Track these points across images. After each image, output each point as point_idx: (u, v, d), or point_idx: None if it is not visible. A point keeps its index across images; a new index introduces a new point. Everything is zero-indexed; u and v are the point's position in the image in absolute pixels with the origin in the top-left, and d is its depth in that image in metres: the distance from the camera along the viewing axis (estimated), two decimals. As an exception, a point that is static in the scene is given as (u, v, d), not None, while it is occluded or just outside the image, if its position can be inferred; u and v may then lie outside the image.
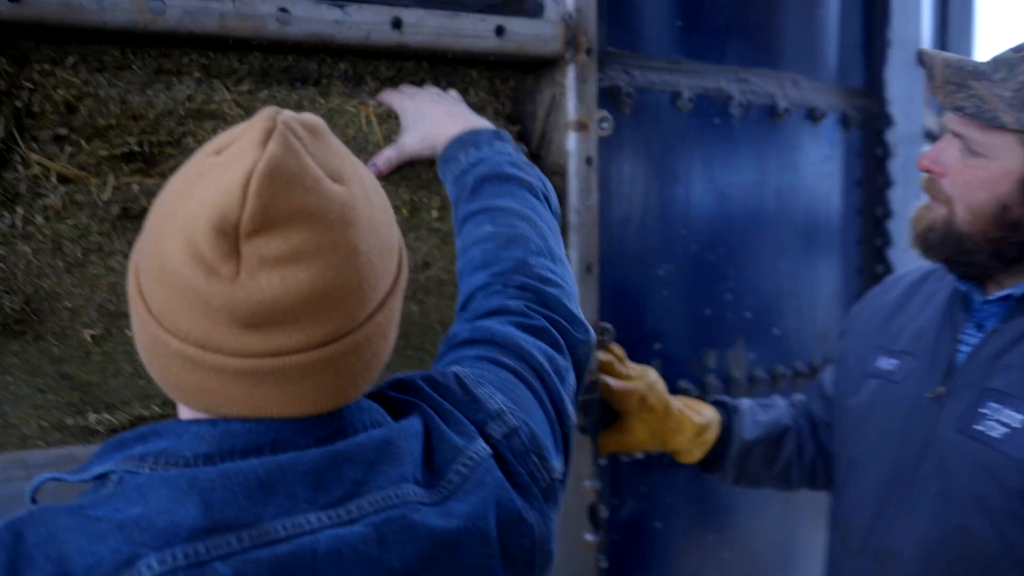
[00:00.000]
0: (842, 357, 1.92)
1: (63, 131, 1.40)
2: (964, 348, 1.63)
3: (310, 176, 0.90)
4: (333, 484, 0.96)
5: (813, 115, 2.40)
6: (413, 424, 1.06)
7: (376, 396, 1.12)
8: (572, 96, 1.78)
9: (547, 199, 1.50)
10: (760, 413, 2.00)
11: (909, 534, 1.61)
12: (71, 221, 1.41)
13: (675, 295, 2.09)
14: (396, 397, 1.12)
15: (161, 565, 0.86)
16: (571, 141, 1.79)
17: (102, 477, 0.98)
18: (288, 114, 0.92)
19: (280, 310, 0.89)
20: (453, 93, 1.69)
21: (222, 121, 1.50)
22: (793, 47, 2.40)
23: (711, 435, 1.92)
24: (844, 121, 2.54)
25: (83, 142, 1.41)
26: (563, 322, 1.31)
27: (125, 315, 1.45)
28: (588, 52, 1.79)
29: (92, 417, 1.40)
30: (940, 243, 1.60)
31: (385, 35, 1.60)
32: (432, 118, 1.60)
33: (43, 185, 1.39)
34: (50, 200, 1.39)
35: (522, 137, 1.82)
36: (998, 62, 1.53)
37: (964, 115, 1.52)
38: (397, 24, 1.61)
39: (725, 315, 2.19)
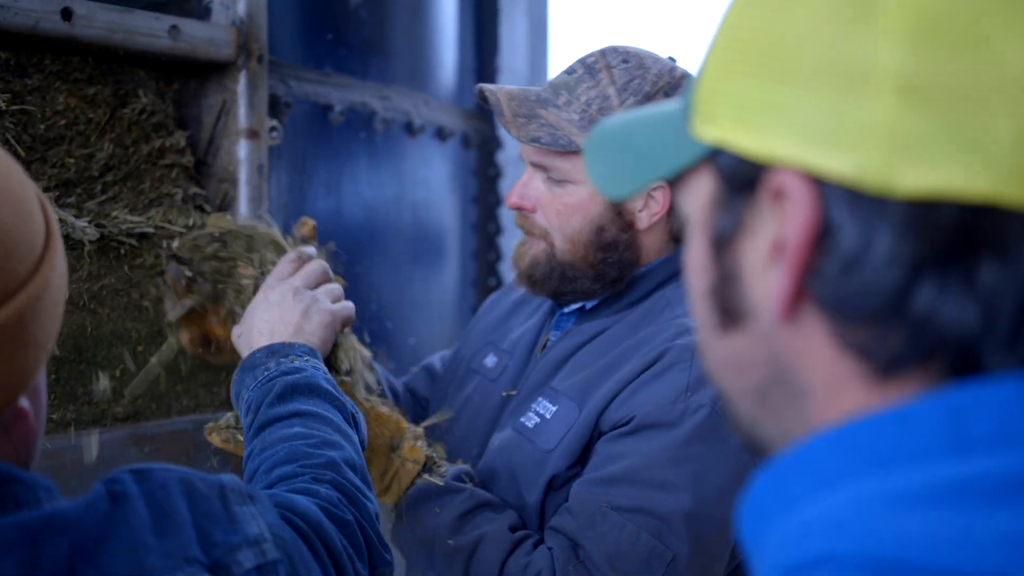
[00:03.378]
0: (460, 345, 1.91)
1: None
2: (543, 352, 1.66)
3: None
4: None
5: (442, 134, 2.52)
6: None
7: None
8: (243, 103, 1.75)
9: (357, 427, 1.38)
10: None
11: None
12: None
13: (329, 306, 2.10)
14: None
15: None
16: (242, 149, 1.75)
17: None
18: None
19: None
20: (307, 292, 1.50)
21: None
22: (423, 68, 2.51)
23: None
24: (466, 141, 2.69)
25: None
26: (373, 536, 1.18)
27: None
28: (260, 59, 1.77)
29: None
30: (546, 277, 1.58)
31: (55, 25, 1.49)
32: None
33: None
34: None
35: (190, 143, 1.76)
36: (556, 87, 1.54)
37: (541, 145, 1.49)
38: (67, 15, 1.50)
39: (372, 325, 2.24)
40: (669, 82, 1.52)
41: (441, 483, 1.50)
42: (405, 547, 1.52)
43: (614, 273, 1.57)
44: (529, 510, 1.51)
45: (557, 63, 3.23)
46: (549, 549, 1.41)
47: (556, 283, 1.58)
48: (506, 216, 2.89)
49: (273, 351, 1.40)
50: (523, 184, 1.57)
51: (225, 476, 0.97)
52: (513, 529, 1.45)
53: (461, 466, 1.53)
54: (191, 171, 1.75)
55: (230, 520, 0.92)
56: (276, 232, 1.62)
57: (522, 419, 1.55)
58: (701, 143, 0.60)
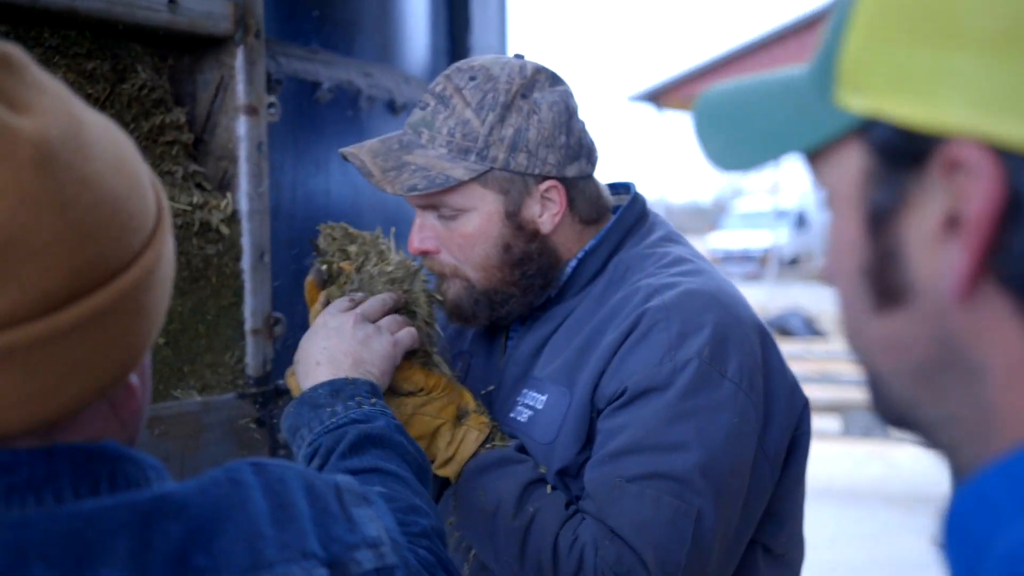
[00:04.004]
0: None
1: None
2: (512, 344, 1.66)
3: None
4: None
5: (422, 112, 2.50)
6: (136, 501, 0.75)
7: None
8: (242, 79, 1.72)
9: (425, 478, 1.34)
10: None
11: None
12: None
13: (321, 285, 2.08)
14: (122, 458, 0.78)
15: None
16: (241, 126, 1.73)
17: None
18: None
19: None
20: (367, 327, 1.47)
21: None
22: (399, 45, 2.49)
23: None
24: (443, 120, 2.67)
25: None
26: None
27: None
28: (257, 35, 1.74)
29: None
30: (474, 311, 1.56)
31: (56, -2, 1.45)
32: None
33: None
34: None
35: (188, 119, 1.72)
36: (415, 126, 1.53)
37: (419, 192, 1.47)
38: (68, -13, 1.46)
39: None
40: (522, 83, 1.50)
41: (510, 447, 1.49)
42: (463, 515, 1.51)
43: (539, 281, 1.55)
44: None
45: (515, 41, 3.22)
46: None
47: (488, 312, 1.56)
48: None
49: (336, 389, 1.35)
50: (419, 228, 1.55)
51: (339, 476, 0.95)
52: (567, 504, 1.46)
53: (516, 440, 1.52)
54: (190, 148, 1.72)
55: (348, 520, 0.89)
56: (386, 243, 1.61)
57: (511, 415, 1.54)
58: (847, 114, 0.56)
